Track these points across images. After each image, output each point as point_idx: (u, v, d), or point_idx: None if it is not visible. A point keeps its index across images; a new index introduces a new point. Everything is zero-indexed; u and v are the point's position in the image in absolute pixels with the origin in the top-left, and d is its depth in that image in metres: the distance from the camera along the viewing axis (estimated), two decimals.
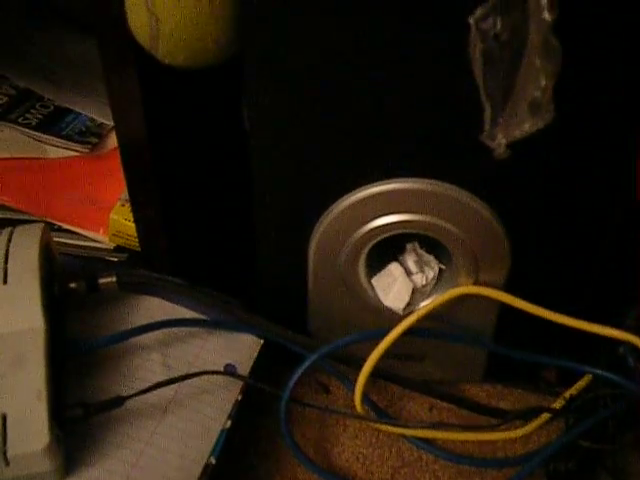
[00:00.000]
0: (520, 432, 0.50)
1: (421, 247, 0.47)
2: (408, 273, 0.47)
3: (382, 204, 0.43)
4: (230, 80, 0.42)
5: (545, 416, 0.49)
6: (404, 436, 0.49)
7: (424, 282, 0.47)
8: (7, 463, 0.35)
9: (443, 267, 0.47)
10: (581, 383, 0.49)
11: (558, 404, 0.49)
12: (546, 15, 0.28)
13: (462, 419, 0.51)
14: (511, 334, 0.48)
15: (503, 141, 0.33)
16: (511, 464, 0.48)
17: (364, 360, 0.46)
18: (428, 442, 0.49)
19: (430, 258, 0.47)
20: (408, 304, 0.47)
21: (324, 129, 0.40)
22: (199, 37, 0.37)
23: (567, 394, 0.49)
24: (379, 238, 0.44)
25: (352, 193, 0.43)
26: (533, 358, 0.48)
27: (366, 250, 0.45)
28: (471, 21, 0.30)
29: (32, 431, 0.36)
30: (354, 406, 0.48)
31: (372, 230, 0.44)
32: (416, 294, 0.47)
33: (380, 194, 0.42)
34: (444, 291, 0.46)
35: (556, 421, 0.50)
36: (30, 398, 0.37)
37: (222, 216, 0.52)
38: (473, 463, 0.48)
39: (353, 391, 0.47)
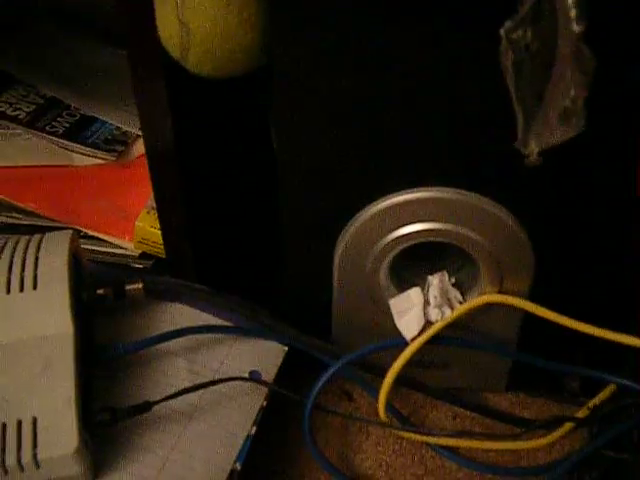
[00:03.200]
0: (544, 441, 0.49)
1: (450, 278, 0.47)
2: (427, 303, 0.47)
3: (407, 213, 0.43)
4: (259, 89, 0.42)
5: (569, 425, 0.49)
6: (428, 444, 0.49)
7: (438, 318, 0.45)
8: (37, 466, 0.36)
9: (462, 300, 0.47)
10: (605, 393, 0.49)
11: (582, 414, 0.49)
12: (575, 26, 0.28)
13: (486, 428, 0.51)
14: (535, 343, 0.48)
15: (536, 149, 0.33)
16: (535, 473, 0.48)
17: (388, 368, 0.46)
18: (451, 450, 0.49)
19: (455, 293, 0.47)
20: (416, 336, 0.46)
21: (350, 139, 0.41)
22: (229, 48, 0.37)
23: (591, 403, 0.49)
24: (403, 246, 0.44)
25: (378, 202, 0.43)
26: (557, 367, 0.48)
27: (390, 258, 0.45)
28: (502, 32, 0.30)
29: (61, 435, 0.36)
30: (377, 414, 0.48)
31: (396, 239, 0.44)
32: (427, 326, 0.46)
33: (405, 203, 0.43)
34: (469, 299, 0.46)
35: (580, 431, 0.50)
36: (60, 403, 0.37)
37: (248, 224, 0.52)
38: (497, 472, 0.48)
39: (377, 399, 0.47)
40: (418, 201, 0.42)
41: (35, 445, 0.36)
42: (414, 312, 0.46)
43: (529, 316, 0.46)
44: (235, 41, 0.37)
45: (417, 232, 0.44)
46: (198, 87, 0.42)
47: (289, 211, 0.45)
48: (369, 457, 0.49)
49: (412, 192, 0.42)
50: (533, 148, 0.33)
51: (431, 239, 0.44)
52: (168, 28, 0.38)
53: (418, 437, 0.49)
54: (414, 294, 0.46)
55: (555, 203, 0.42)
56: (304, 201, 0.44)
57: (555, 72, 0.30)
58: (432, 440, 0.49)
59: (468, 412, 0.52)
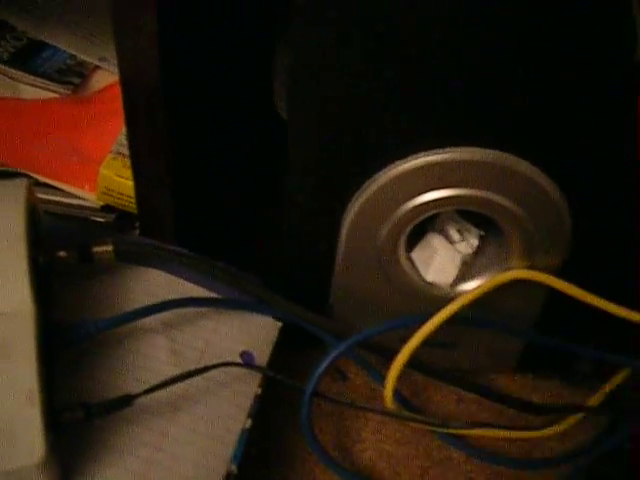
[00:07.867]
0: (556, 429, 0.45)
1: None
2: (451, 242, 0.41)
3: (431, 177, 0.37)
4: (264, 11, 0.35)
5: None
6: (434, 432, 0.44)
7: (470, 250, 0.41)
8: None
9: (483, 234, 0.42)
10: (618, 377, 0.45)
11: (596, 400, 0.45)
12: None
13: (492, 412, 0.46)
14: (554, 323, 0.43)
15: None
16: (550, 465, 0.44)
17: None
18: (458, 438, 0.44)
19: (469, 226, 0.42)
20: (457, 278, 0.42)
21: (371, 86, 0.34)
22: None
23: (607, 389, 0.45)
24: (426, 215, 0.38)
25: (399, 162, 0.37)
26: (575, 349, 0.44)
27: (410, 228, 0.39)
28: None
29: (23, 441, 0.29)
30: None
31: (419, 206, 0.38)
32: (464, 267, 0.42)
33: (428, 165, 0.37)
34: (494, 274, 0.41)
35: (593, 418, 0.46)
36: (19, 399, 0.30)
37: (241, 178, 0.44)
38: (510, 465, 0.44)
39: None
40: (445, 163, 0.37)
41: None
42: (441, 255, 0.41)
43: (554, 294, 0.41)
44: None
45: (443, 199, 0.38)
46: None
47: (296, 164, 0.38)
48: (369, 447, 0.43)
49: (439, 153, 0.36)
50: None
51: (459, 207, 0.38)
52: None
53: (427, 427, 0.43)
54: (432, 238, 0.41)
55: (600, 167, 0.37)
56: (315, 154, 0.37)
57: None
58: (443, 430, 0.43)
59: (473, 395, 0.46)
